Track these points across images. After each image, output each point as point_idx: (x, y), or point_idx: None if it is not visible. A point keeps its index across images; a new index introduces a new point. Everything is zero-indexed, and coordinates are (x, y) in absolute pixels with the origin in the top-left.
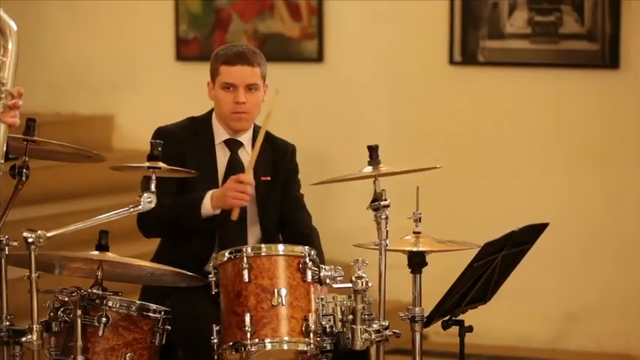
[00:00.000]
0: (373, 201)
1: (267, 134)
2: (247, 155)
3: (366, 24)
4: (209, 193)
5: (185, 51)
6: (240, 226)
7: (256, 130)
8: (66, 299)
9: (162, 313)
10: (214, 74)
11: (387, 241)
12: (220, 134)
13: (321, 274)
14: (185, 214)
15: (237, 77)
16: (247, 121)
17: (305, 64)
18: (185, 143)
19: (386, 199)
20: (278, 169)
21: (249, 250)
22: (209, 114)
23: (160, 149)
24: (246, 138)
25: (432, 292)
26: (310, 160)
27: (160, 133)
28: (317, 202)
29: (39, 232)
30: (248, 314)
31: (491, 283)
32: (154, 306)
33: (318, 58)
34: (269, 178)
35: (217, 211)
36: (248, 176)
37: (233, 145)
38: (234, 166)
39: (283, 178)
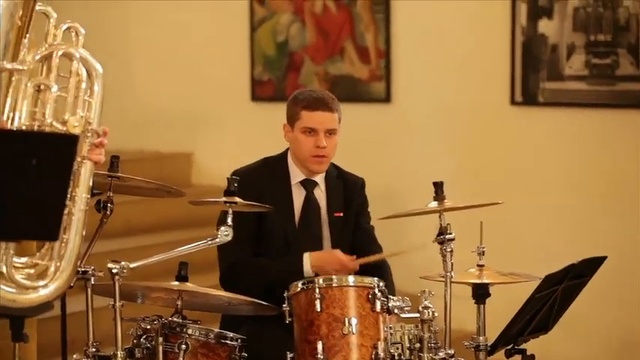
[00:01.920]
0: (439, 235)
1: (339, 170)
2: (322, 193)
3: (430, 66)
4: (306, 256)
5: (260, 92)
6: None
7: (329, 169)
8: (148, 327)
9: (239, 340)
10: (294, 118)
11: (452, 273)
12: (296, 175)
13: (390, 304)
14: (285, 275)
15: (318, 122)
16: (326, 164)
17: (373, 104)
18: (261, 184)
19: (451, 233)
20: (350, 204)
21: (320, 281)
22: (284, 155)
23: (236, 185)
24: (320, 177)
25: (496, 321)
26: (378, 195)
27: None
28: (386, 236)
29: (123, 263)
30: (320, 342)
31: (552, 314)
32: (230, 334)
33: (386, 98)
34: (342, 214)
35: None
36: (355, 265)
37: (309, 184)
38: (311, 206)
39: (355, 212)
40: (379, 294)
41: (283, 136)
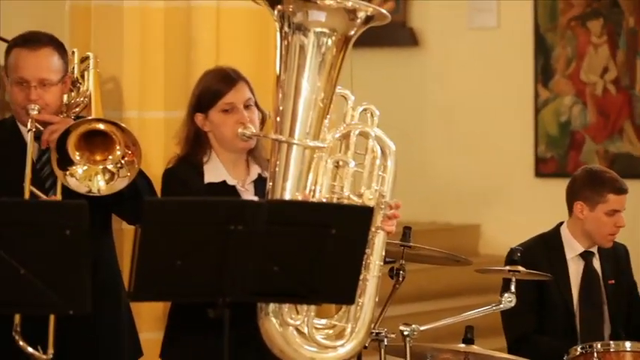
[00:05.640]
0: None
1: None
2: (597, 262)
3: None
4: None
5: (543, 168)
6: (598, 325)
7: None
8: None
9: None
10: (596, 199)
11: None
12: (574, 248)
13: None
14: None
15: (623, 205)
16: None
17: None
18: (538, 259)
19: None
20: (620, 271)
21: (599, 345)
22: (557, 230)
23: (519, 255)
24: (595, 248)
25: None
26: None
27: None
28: None
29: (413, 326)
30: None
31: None
32: None
33: None
34: (614, 281)
35: None
36: None
37: (588, 255)
38: (591, 275)
39: (626, 280)
40: None
41: (573, 213)
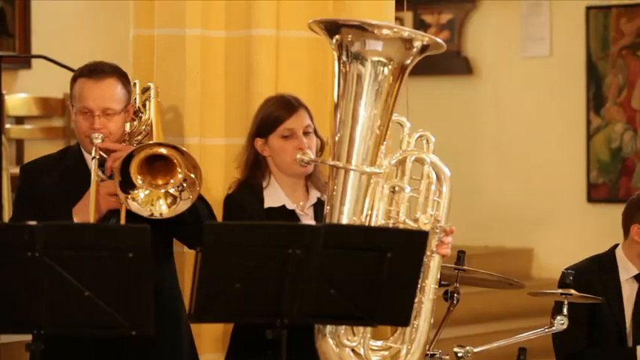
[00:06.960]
0: None
1: None
2: None
3: None
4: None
5: (595, 194)
6: None
7: None
8: None
9: None
10: None
11: None
12: (629, 269)
13: None
14: None
15: None
16: None
17: None
18: (592, 280)
19: None
20: None
21: None
22: (612, 252)
23: (571, 278)
24: None
25: None
26: None
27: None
28: None
29: (467, 347)
30: None
31: None
32: None
33: None
34: None
35: None
36: None
37: None
38: None
39: None
40: None
41: (629, 235)
